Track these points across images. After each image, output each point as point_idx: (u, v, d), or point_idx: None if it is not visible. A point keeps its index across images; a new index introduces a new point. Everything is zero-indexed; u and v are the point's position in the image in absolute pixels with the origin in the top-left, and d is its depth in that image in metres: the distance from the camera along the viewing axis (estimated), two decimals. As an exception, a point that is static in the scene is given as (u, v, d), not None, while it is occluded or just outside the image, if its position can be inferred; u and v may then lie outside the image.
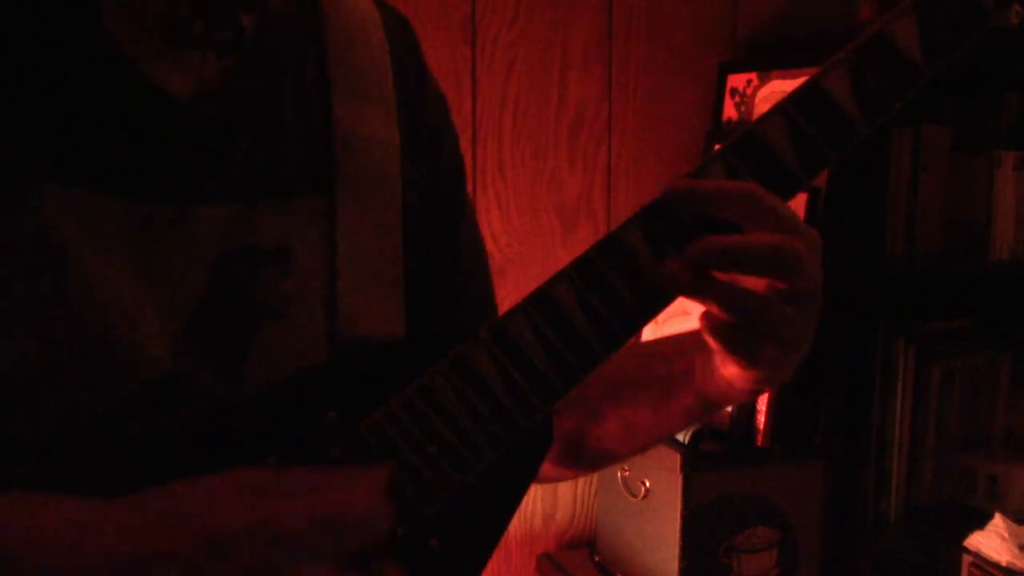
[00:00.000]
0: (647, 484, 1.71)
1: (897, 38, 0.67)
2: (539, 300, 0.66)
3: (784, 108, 0.67)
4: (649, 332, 1.85)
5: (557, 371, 0.66)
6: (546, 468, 0.82)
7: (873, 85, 0.67)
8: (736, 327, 0.66)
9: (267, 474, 0.62)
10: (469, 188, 1.93)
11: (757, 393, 0.73)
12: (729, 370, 0.71)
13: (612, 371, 0.76)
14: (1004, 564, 1.61)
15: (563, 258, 1.94)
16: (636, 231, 0.66)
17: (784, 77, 1.81)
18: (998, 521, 1.67)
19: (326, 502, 0.60)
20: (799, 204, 1.68)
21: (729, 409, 1.68)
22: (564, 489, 1.97)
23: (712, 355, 0.72)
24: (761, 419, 1.67)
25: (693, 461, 1.64)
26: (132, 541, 0.56)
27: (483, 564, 0.70)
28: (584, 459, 0.87)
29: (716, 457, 1.67)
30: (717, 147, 0.69)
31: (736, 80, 1.91)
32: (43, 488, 0.61)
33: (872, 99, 0.67)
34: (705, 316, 0.67)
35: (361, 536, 0.60)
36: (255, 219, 0.71)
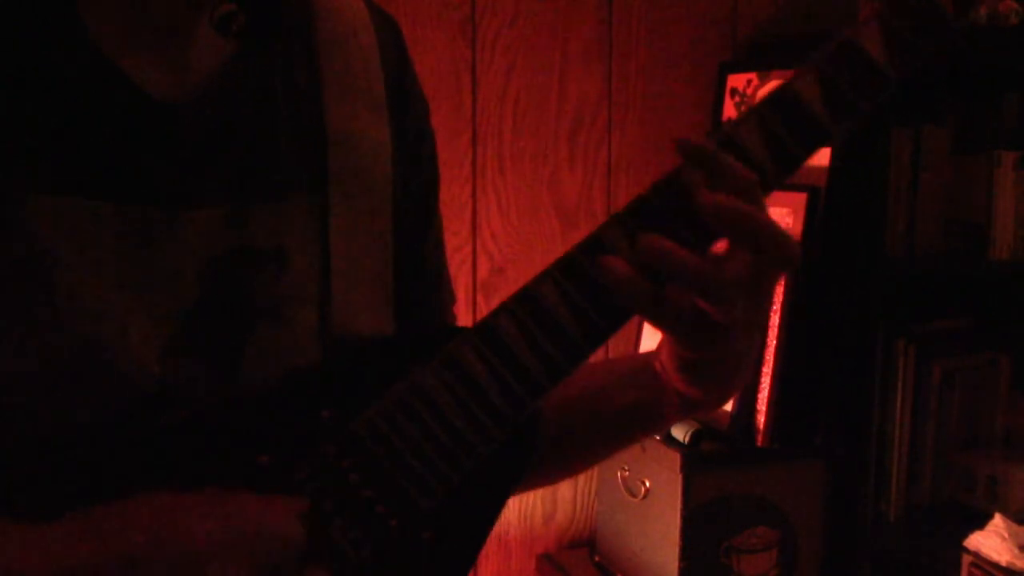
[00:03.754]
0: (647, 484, 1.71)
1: (863, 44, 0.69)
2: (524, 298, 0.68)
3: (758, 111, 0.69)
4: (649, 334, 1.86)
5: (543, 367, 0.67)
6: None
7: (841, 89, 0.69)
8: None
9: (183, 496, 0.63)
10: (469, 188, 1.93)
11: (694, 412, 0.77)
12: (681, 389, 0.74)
13: (577, 393, 0.80)
14: (1004, 564, 1.61)
15: (563, 258, 1.94)
16: (616, 229, 0.67)
17: (784, 77, 1.80)
18: (998, 521, 1.67)
19: (239, 519, 0.61)
20: (799, 204, 1.68)
21: (729, 409, 1.68)
22: (564, 489, 1.97)
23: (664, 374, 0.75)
24: (761, 419, 1.67)
25: (693, 461, 1.64)
26: (51, 559, 0.58)
27: (475, 556, 0.72)
28: (534, 481, 0.89)
29: (716, 457, 1.67)
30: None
31: (736, 80, 1.91)
32: (39, 492, 0.61)
33: (840, 102, 0.69)
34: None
35: (272, 551, 0.62)
36: (248, 220, 0.71)
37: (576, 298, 0.67)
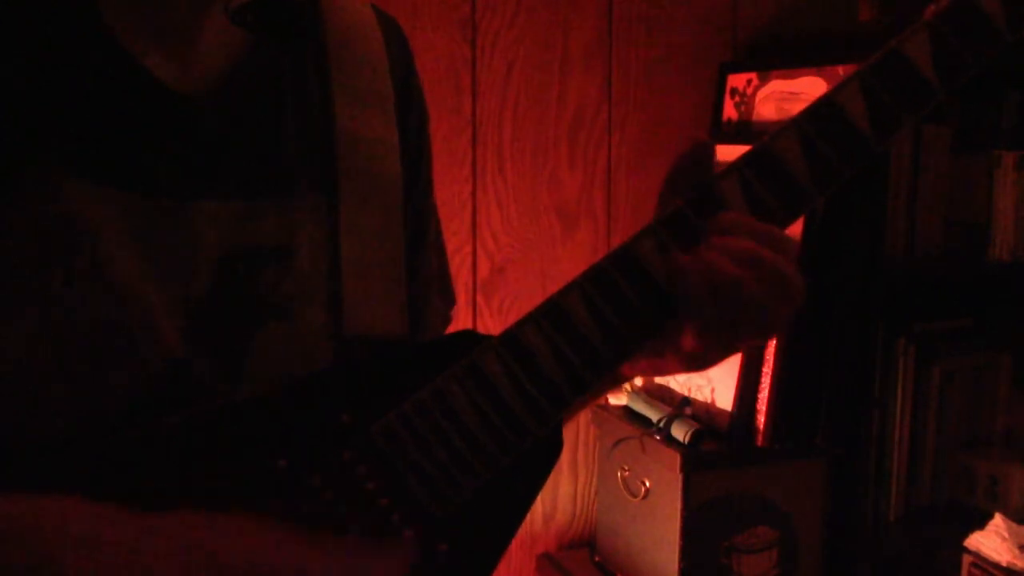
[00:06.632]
0: (647, 484, 1.71)
1: (910, 56, 0.67)
2: (551, 310, 0.67)
3: (798, 123, 0.67)
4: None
5: (568, 380, 0.67)
6: None
7: (886, 102, 0.66)
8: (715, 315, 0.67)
9: (276, 534, 0.62)
10: (468, 188, 1.93)
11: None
12: (669, 356, 0.72)
13: None
14: (1004, 564, 1.61)
15: (563, 258, 1.95)
16: (648, 242, 0.67)
17: (784, 77, 1.81)
18: (998, 521, 1.67)
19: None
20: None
21: (729, 409, 1.68)
22: (564, 489, 1.97)
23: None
24: (761, 419, 1.67)
25: (693, 461, 1.64)
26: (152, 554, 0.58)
27: (491, 569, 0.70)
28: None
29: (716, 457, 1.67)
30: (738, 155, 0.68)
31: (736, 80, 1.91)
32: (52, 484, 0.61)
33: (885, 116, 0.67)
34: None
35: None
36: (256, 217, 0.71)
37: (604, 310, 0.66)
